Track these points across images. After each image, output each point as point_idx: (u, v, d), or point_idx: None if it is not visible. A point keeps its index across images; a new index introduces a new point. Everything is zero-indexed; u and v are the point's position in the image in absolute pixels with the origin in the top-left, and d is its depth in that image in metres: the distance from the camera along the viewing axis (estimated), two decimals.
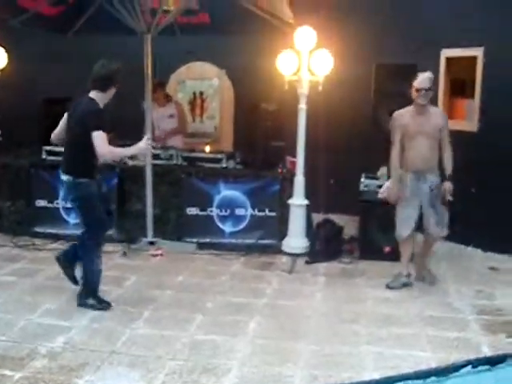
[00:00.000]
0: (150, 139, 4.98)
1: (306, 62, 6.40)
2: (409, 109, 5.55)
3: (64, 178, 4.96)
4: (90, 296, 4.97)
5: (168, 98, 7.97)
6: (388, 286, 5.62)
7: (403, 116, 5.53)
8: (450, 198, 5.50)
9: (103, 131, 4.69)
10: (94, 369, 3.94)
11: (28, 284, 5.54)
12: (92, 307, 4.92)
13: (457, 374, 1.87)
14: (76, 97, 5.05)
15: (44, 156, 7.19)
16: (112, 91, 4.93)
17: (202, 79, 8.95)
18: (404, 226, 5.57)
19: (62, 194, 6.80)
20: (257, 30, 7.25)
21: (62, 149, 7.06)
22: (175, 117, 7.91)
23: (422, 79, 5.45)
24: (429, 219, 5.53)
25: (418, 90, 5.41)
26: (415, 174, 5.51)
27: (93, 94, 4.87)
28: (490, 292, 5.62)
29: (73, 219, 7.06)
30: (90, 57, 8.44)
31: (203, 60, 8.76)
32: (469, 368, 1.88)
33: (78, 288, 5.11)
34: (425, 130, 5.45)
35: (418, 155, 5.47)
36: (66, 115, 5.00)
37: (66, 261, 5.17)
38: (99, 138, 4.65)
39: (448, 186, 5.47)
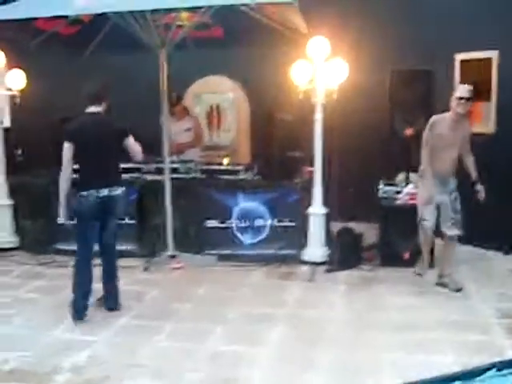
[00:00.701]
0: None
1: (320, 71, 6.42)
2: (447, 115, 5.60)
3: (116, 192, 5.10)
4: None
5: (186, 112, 8.04)
6: (459, 289, 5.67)
7: (441, 122, 5.57)
8: (482, 200, 5.60)
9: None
10: (117, 382, 3.98)
11: (50, 300, 5.60)
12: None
13: (481, 377, 1.86)
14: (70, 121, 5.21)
15: None
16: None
17: (218, 93, 9.00)
18: (431, 222, 5.66)
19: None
20: (270, 42, 7.28)
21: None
22: (192, 130, 7.96)
23: (463, 89, 5.54)
24: (447, 221, 5.61)
25: (459, 99, 5.46)
26: (440, 179, 5.59)
27: (94, 109, 5.11)
28: None
29: None
30: (106, 75, 8.62)
31: (218, 73, 8.81)
32: (493, 371, 1.87)
33: None
34: (456, 140, 5.57)
35: (446, 162, 5.59)
36: (69, 145, 4.99)
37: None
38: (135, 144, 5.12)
39: (481, 187, 5.60)
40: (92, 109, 5.10)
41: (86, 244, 5.17)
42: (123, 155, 5.22)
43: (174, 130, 7.58)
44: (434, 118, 5.64)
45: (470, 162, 5.68)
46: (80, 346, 4.52)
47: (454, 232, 5.64)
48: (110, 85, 5.28)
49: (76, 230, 5.15)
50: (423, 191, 5.68)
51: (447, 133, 5.53)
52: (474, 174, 5.66)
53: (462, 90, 5.54)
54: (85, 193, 4.98)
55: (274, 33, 6.98)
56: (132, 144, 5.14)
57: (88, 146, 5.01)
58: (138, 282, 6.10)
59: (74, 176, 5.15)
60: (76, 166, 5.12)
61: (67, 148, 4.96)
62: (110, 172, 5.13)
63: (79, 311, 5.04)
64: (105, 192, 5.02)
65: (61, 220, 5.18)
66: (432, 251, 6.11)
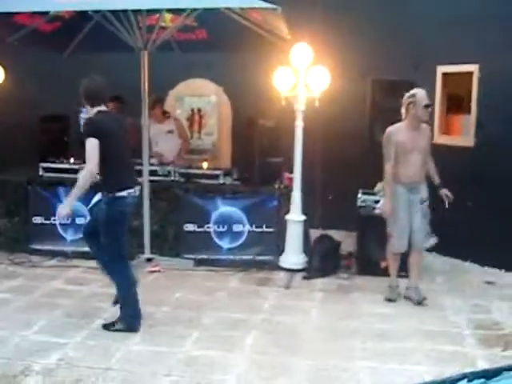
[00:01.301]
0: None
1: (302, 78, 6.44)
2: (402, 125, 5.56)
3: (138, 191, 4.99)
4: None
5: (166, 115, 7.97)
6: (388, 299, 5.65)
7: (398, 132, 5.53)
8: (447, 204, 5.58)
9: None
10: None
11: (23, 301, 5.52)
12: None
13: None
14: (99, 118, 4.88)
15: (41, 173, 7.20)
16: None
17: (200, 96, 8.97)
18: (401, 241, 5.59)
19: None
20: (254, 47, 7.28)
21: (59, 165, 7.17)
22: (174, 132, 7.91)
23: (424, 95, 5.50)
24: (418, 231, 5.57)
25: (426, 106, 5.46)
26: (408, 187, 5.55)
27: (104, 108, 4.94)
28: (486, 306, 5.61)
29: (70, 236, 7.08)
30: (86, 74, 8.56)
31: (201, 77, 8.79)
32: (464, 382, 1.87)
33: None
34: (419, 145, 5.52)
35: (412, 169, 5.52)
36: (96, 141, 4.61)
37: None
38: None
39: (445, 191, 5.58)
40: (103, 107, 4.88)
41: (124, 248, 4.90)
42: None
43: (154, 132, 7.53)
44: (389, 129, 5.58)
45: (431, 168, 5.66)
46: (52, 348, 4.46)
47: (423, 245, 5.66)
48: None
49: (112, 235, 4.77)
50: (385, 204, 5.63)
51: (408, 141, 5.48)
52: (436, 179, 5.66)
53: (424, 96, 5.48)
54: (124, 193, 4.75)
55: (258, 38, 6.98)
56: None
57: (117, 144, 4.80)
58: (112, 285, 6.01)
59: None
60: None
61: (97, 144, 4.57)
62: (133, 170, 5.11)
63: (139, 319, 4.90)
64: (137, 192, 4.93)
65: (58, 219, 4.98)
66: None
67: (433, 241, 5.67)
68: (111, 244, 4.77)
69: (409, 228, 5.56)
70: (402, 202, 5.54)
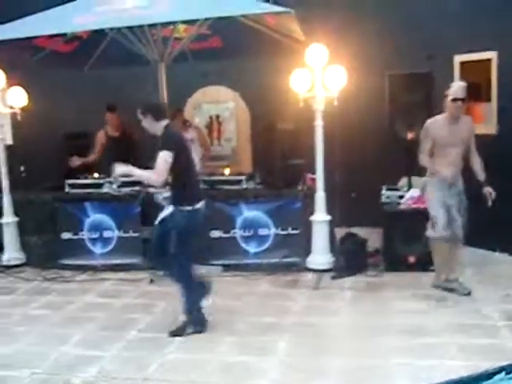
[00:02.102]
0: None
1: (319, 78, 6.46)
2: (441, 117, 5.52)
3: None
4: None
5: (187, 124, 8.03)
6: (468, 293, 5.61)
7: (436, 125, 5.49)
8: (490, 202, 5.52)
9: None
10: None
11: (59, 316, 5.61)
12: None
13: (490, 381, 1.86)
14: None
15: (67, 189, 7.31)
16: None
17: (218, 103, 9.04)
18: (445, 224, 5.52)
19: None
20: (268, 51, 7.33)
21: (84, 181, 7.28)
22: (195, 141, 7.96)
23: (457, 89, 5.43)
24: (455, 223, 5.54)
25: (453, 100, 5.40)
26: (445, 182, 5.51)
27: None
28: None
29: (99, 249, 7.18)
30: (105, 89, 8.70)
31: (217, 84, 8.85)
32: (502, 375, 1.87)
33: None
34: (457, 139, 5.47)
35: (449, 164, 5.49)
36: (171, 154, 4.72)
37: None
38: None
39: (489, 190, 5.51)
40: (167, 122, 4.96)
41: (190, 259, 5.06)
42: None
43: None
44: (428, 121, 5.57)
45: (476, 164, 5.59)
46: (89, 361, 4.53)
47: (461, 236, 5.60)
48: None
49: (185, 244, 4.89)
50: (431, 196, 5.61)
51: (445, 135, 5.45)
52: (481, 176, 5.57)
53: (456, 89, 5.42)
54: (199, 205, 4.91)
55: (272, 41, 7.04)
56: None
57: (189, 157, 5.01)
58: (144, 295, 6.12)
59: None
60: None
61: (171, 158, 4.69)
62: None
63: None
64: (203, 204, 5.01)
65: (113, 175, 5.05)
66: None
67: (461, 235, 5.61)
68: (183, 253, 4.90)
69: (448, 214, 5.53)
70: (438, 195, 5.51)
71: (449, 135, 5.45)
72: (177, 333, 4.97)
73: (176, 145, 4.83)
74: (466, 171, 5.69)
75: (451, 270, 5.77)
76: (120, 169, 4.95)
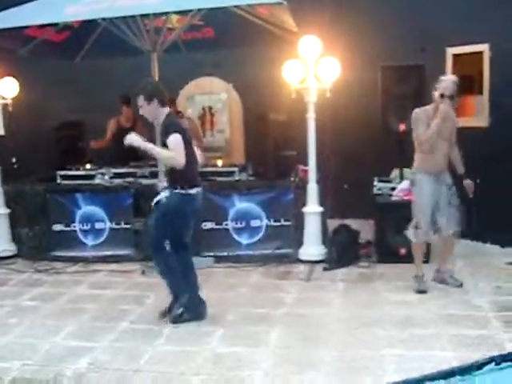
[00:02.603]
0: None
1: (312, 69, 6.44)
2: (430, 109, 5.43)
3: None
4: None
5: (179, 115, 8.00)
6: (419, 291, 5.53)
7: (426, 116, 5.40)
8: (471, 194, 5.54)
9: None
10: None
11: (50, 308, 5.60)
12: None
13: (481, 371, 1.87)
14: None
15: (59, 180, 7.28)
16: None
17: (211, 94, 9.02)
18: (427, 230, 5.52)
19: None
20: (261, 42, 7.32)
21: (76, 172, 7.25)
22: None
23: (447, 84, 5.33)
24: (446, 218, 5.50)
25: (442, 96, 5.32)
26: (435, 176, 5.47)
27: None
28: (509, 287, 5.59)
29: (90, 241, 7.16)
30: (97, 80, 8.68)
31: (210, 74, 8.83)
32: (492, 365, 1.87)
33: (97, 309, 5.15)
34: (445, 133, 5.42)
35: (438, 157, 5.45)
36: (181, 136, 4.80)
37: None
38: None
39: (469, 182, 5.52)
40: (169, 109, 4.99)
41: (187, 238, 5.10)
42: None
43: None
44: (416, 111, 5.46)
45: (456, 156, 5.59)
46: (81, 352, 4.52)
47: (452, 229, 5.55)
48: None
49: (177, 227, 4.97)
50: (418, 195, 5.56)
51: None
52: (460, 168, 5.59)
53: (446, 85, 5.30)
54: (194, 191, 4.93)
55: (265, 32, 7.02)
56: None
57: (189, 144, 4.94)
58: (136, 286, 6.11)
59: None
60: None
61: (181, 140, 4.76)
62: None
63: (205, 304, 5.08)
64: (199, 191, 5.02)
65: (126, 141, 4.89)
66: (428, 246, 6.11)
67: (455, 228, 5.57)
68: (175, 234, 4.97)
69: (433, 216, 5.49)
70: (427, 192, 5.46)
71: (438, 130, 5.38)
72: (175, 320, 4.98)
73: (182, 129, 4.86)
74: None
75: (443, 261, 5.80)
76: (134, 138, 4.87)
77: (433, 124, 5.31)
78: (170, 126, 4.83)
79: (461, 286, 5.62)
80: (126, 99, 7.76)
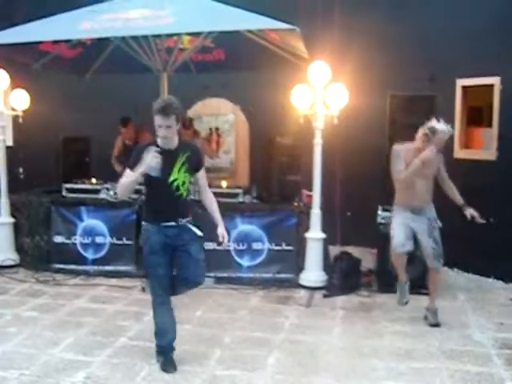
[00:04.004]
0: (156, 151, 4.25)
1: (320, 96, 6.48)
2: (411, 147, 5.27)
3: None
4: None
5: (196, 135, 8.09)
6: (401, 303, 5.57)
7: (407, 153, 5.25)
8: (481, 220, 5.36)
9: (130, 167, 4.35)
10: None
11: (50, 319, 5.60)
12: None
13: None
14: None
15: (64, 193, 7.30)
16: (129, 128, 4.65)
17: (218, 115, 9.08)
18: (402, 240, 5.36)
19: None
20: (271, 66, 7.38)
21: (81, 186, 7.28)
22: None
23: (444, 138, 5.17)
24: (427, 251, 5.40)
25: (428, 140, 5.12)
26: (411, 211, 5.36)
27: None
28: None
29: (91, 255, 7.16)
30: (107, 96, 8.74)
31: (218, 96, 8.89)
32: None
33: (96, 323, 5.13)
34: (425, 172, 5.27)
35: (416, 196, 5.31)
36: None
37: None
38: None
39: (471, 211, 5.35)
40: None
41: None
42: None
43: None
44: (397, 147, 5.33)
45: (451, 189, 5.43)
46: (78, 366, 4.52)
47: (435, 265, 5.43)
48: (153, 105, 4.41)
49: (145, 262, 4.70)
50: (394, 219, 5.51)
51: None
52: (459, 199, 5.41)
53: (442, 138, 5.13)
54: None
55: (276, 57, 7.08)
56: None
57: None
58: (135, 303, 6.09)
59: None
60: None
61: None
62: None
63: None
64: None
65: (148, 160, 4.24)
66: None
67: (439, 264, 5.45)
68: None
69: (411, 232, 5.37)
70: (400, 217, 5.40)
71: (419, 170, 5.21)
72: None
73: None
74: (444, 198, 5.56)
75: (430, 298, 5.65)
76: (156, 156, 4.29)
77: (412, 164, 5.16)
78: (199, 152, 4.69)
79: (436, 325, 5.46)
80: (123, 121, 7.83)
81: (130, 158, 4.40)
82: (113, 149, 8.14)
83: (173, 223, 4.52)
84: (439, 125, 5.14)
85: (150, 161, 4.21)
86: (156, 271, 4.49)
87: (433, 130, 5.12)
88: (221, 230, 4.82)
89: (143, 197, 4.68)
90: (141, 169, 4.25)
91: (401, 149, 5.32)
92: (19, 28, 5.81)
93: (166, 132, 4.30)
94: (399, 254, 5.46)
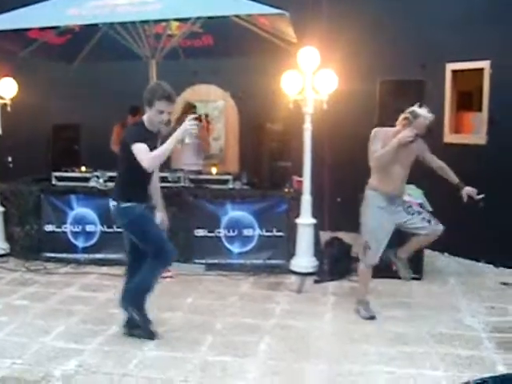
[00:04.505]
0: (193, 119, 4.48)
1: (310, 81, 6.47)
2: (391, 131, 5.13)
3: (110, 204, 4.75)
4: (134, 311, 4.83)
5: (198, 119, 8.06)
6: (369, 317, 5.31)
7: (386, 134, 5.13)
8: (479, 196, 5.24)
9: (143, 143, 4.42)
10: None
11: (41, 308, 5.59)
12: (139, 336, 4.85)
13: None
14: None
15: (54, 182, 7.27)
16: (148, 112, 4.59)
17: (207, 101, 9.05)
18: (378, 254, 5.26)
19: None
20: (260, 51, 7.35)
21: (71, 174, 7.25)
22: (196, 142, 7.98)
23: (424, 123, 5.01)
24: (418, 223, 5.21)
25: (409, 124, 5.00)
26: (387, 198, 5.20)
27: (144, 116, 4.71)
28: (503, 308, 5.59)
29: (81, 243, 7.15)
30: (96, 83, 8.69)
31: (207, 82, 8.86)
32: None
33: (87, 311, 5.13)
34: (403, 159, 5.14)
35: (391, 183, 5.17)
36: None
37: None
38: (139, 151, 4.41)
39: (468, 188, 5.22)
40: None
41: None
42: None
43: None
44: (376, 129, 5.22)
45: (443, 169, 5.28)
46: (70, 354, 4.52)
47: (439, 227, 5.21)
48: (152, 89, 4.62)
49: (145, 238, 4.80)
50: (367, 213, 5.28)
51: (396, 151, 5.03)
52: (453, 178, 5.27)
53: (422, 123, 5.00)
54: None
55: (265, 42, 7.05)
56: (138, 156, 4.42)
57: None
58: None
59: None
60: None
61: None
62: (115, 185, 4.91)
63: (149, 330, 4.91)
64: (110, 204, 4.77)
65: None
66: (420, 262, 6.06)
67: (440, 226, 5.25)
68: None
69: (387, 239, 5.25)
70: (376, 215, 5.20)
71: (400, 152, 5.05)
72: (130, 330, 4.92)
73: None
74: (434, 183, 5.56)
75: (405, 248, 5.45)
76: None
77: (390, 143, 5.01)
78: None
79: (407, 279, 5.42)
80: (132, 110, 7.79)
81: (132, 137, 4.51)
82: (111, 135, 8.11)
83: (148, 204, 4.88)
84: (421, 110, 5.07)
85: (190, 127, 4.40)
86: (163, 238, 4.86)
87: (414, 115, 5.03)
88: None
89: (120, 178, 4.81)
90: (179, 135, 4.42)
91: (379, 131, 5.20)
92: (6, 15, 5.75)
93: (166, 117, 4.58)
94: (371, 266, 5.35)
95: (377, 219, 5.21)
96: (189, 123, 4.41)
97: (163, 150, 4.47)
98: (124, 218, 4.74)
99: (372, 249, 5.25)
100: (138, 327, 4.87)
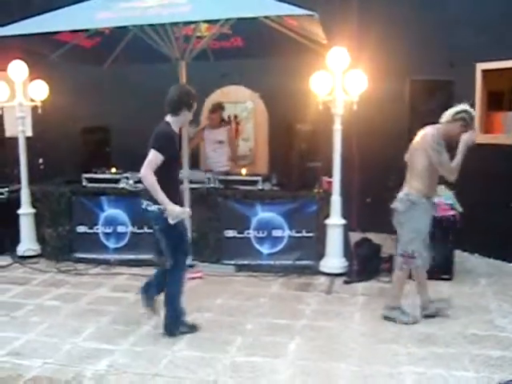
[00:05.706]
0: (189, 213, 4.90)
1: (339, 82, 6.44)
2: (439, 132, 5.02)
3: (142, 205, 4.80)
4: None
5: (222, 123, 8.12)
6: (413, 322, 5.22)
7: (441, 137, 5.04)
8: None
9: (161, 154, 4.54)
10: None
11: (72, 308, 5.66)
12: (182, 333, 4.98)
13: None
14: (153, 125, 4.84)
15: (84, 183, 7.35)
16: (185, 115, 4.78)
17: (236, 102, 9.05)
18: (426, 257, 5.24)
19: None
20: (290, 52, 7.32)
21: (101, 176, 7.32)
22: (224, 143, 8.01)
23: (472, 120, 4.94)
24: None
25: (466, 126, 4.91)
26: (432, 202, 5.24)
27: (168, 118, 4.81)
28: None
29: (112, 244, 7.22)
30: (126, 86, 8.76)
31: (237, 84, 8.87)
32: None
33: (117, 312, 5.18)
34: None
35: (435, 187, 5.20)
36: None
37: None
38: (149, 157, 4.54)
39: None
40: (167, 118, 4.82)
41: None
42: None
43: (208, 138, 7.90)
44: (435, 132, 5.01)
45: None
46: (101, 354, 4.57)
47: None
48: (191, 92, 4.86)
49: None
50: (418, 220, 5.13)
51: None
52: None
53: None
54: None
55: (294, 43, 7.02)
56: (149, 156, 4.58)
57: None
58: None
59: None
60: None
61: None
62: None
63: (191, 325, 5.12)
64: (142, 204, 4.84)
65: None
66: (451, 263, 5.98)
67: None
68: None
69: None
70: (426, 222, 5.16)
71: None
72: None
73: None
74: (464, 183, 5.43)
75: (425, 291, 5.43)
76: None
77: (460, 152, 4.91)
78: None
79: (408, 323, 5.20)
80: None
81: (157, 142, 4.64)
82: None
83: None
84: (472, 110, 4.96)
85: (183, 215, 4.74)
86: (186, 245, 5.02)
87: (470, 116, 4.91)
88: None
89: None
90: (173, 213, 4.62)
91: (439, 135, 4.98)
92: (36, 19, 5.81)
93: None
94: (419, 266, 5.27)
95: (428, 225, 5.19)
96: (181, 211, 4.66)
97: (155, 190, 4.54)
98: (162, 222, 4.71)
99: (421, 253, 5.18)
100: (182, 325, 4.99)
